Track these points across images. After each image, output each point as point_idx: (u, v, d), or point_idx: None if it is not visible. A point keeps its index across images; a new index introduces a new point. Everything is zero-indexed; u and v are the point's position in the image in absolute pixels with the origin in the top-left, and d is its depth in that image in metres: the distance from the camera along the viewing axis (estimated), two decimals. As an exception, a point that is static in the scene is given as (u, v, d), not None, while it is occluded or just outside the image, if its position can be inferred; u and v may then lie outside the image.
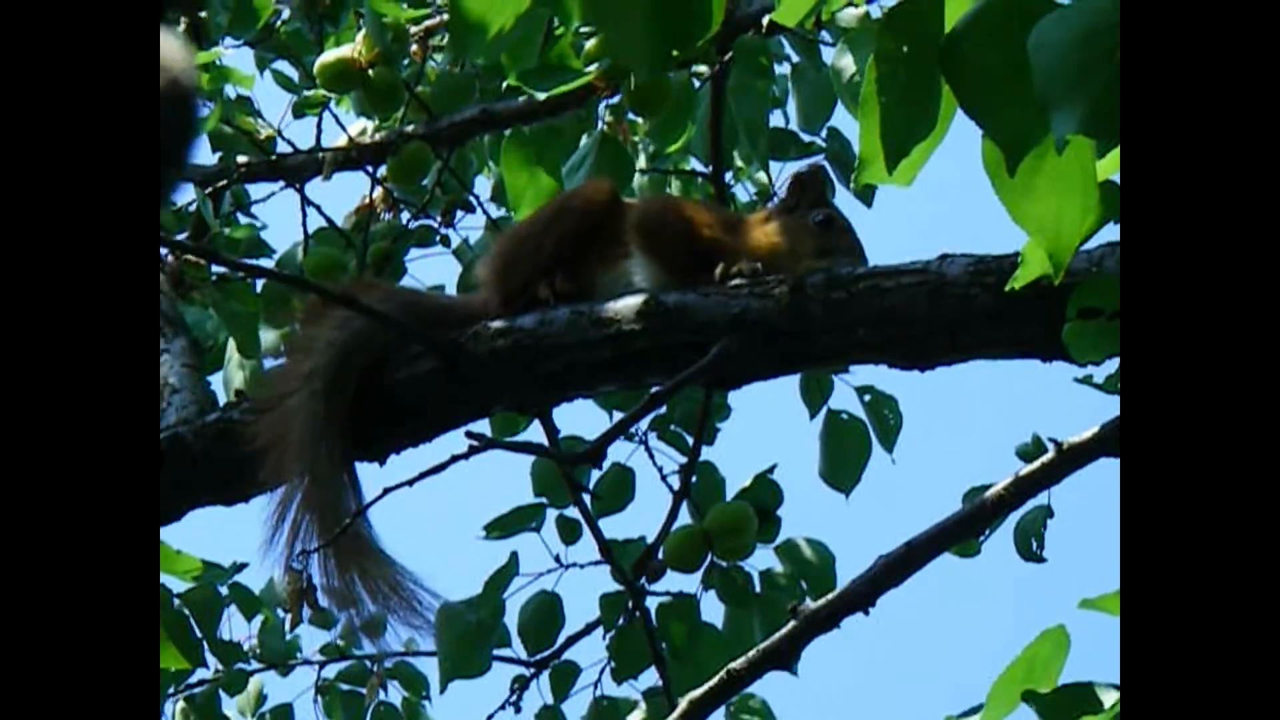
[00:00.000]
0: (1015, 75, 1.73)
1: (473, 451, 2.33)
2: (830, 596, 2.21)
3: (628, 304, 2.43)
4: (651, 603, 3.57)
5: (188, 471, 2.45)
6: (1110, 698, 1.87)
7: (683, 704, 2.18)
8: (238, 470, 2.43)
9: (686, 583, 3.56)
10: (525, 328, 2.46)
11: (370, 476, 2.52)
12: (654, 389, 2.41)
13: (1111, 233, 2.15)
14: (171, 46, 0.79)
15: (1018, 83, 1.72)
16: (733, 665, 2.19)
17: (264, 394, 2.49)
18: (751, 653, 2.20)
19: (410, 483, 2.35)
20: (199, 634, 3.21)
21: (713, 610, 3.58)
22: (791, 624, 2.19)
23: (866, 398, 3.62)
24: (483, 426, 2.58)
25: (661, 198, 2.86)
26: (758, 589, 3.59)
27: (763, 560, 3.57)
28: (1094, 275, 2.21)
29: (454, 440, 2.50)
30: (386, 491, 2.35)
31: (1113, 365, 2.17)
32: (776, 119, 3.86)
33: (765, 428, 4.03)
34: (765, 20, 3.43)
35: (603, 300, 2.46)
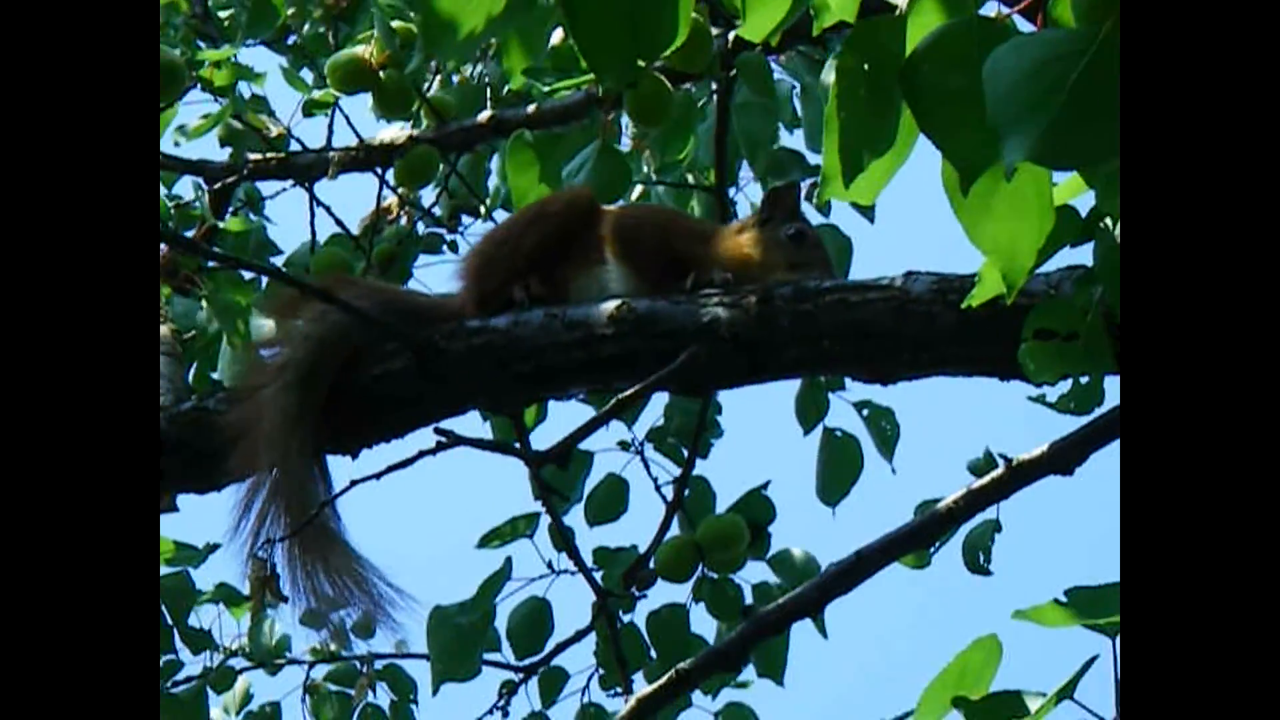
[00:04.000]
0: (972, 99, 1.75)
1: (440, 448, 2.36)
2: (780, 600, 2.23)
3: (600, 309, 2.46)
4: (643, 612, 3.62)
5: (162, 458, 2.49)
6: (1036, 704, 1.90)
7: (631, 701, 2.21)
8: (211, 458, 2.47)
9: (678, 593, 3.59)
10: (499, 328, 2.49)
11: (343, 470, 2.55)
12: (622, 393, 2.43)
13: (1070, 257, 2.18)
14: None
15: (974, 106, 1.75)
16: (681, 665, 2.22)
17: (238, 384, 2.52)
18: (701, 653, 2.23)
19: (377, 476, 2.38)
20: (170, 621, 3.24)
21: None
22: (741, 626, 2.21)
23: (865, 411, 3.65)
24: (462, 424, 2.61)
25: (638, 206, 2.89)
26: (749, 602, 3.61)
27: (756, 574, 3.60)
28: (1050, 298, 2.23)
29: (427, 437, 2.53)
30: (354, 484, 2.39)
31: (1065, 385, 2.19)
32: (796, 140, 3.90)
33: (760, 443, 4.06)
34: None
35: (576, 304, 2.50)
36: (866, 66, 1.94)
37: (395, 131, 3.72)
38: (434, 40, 2.01)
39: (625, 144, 3.79)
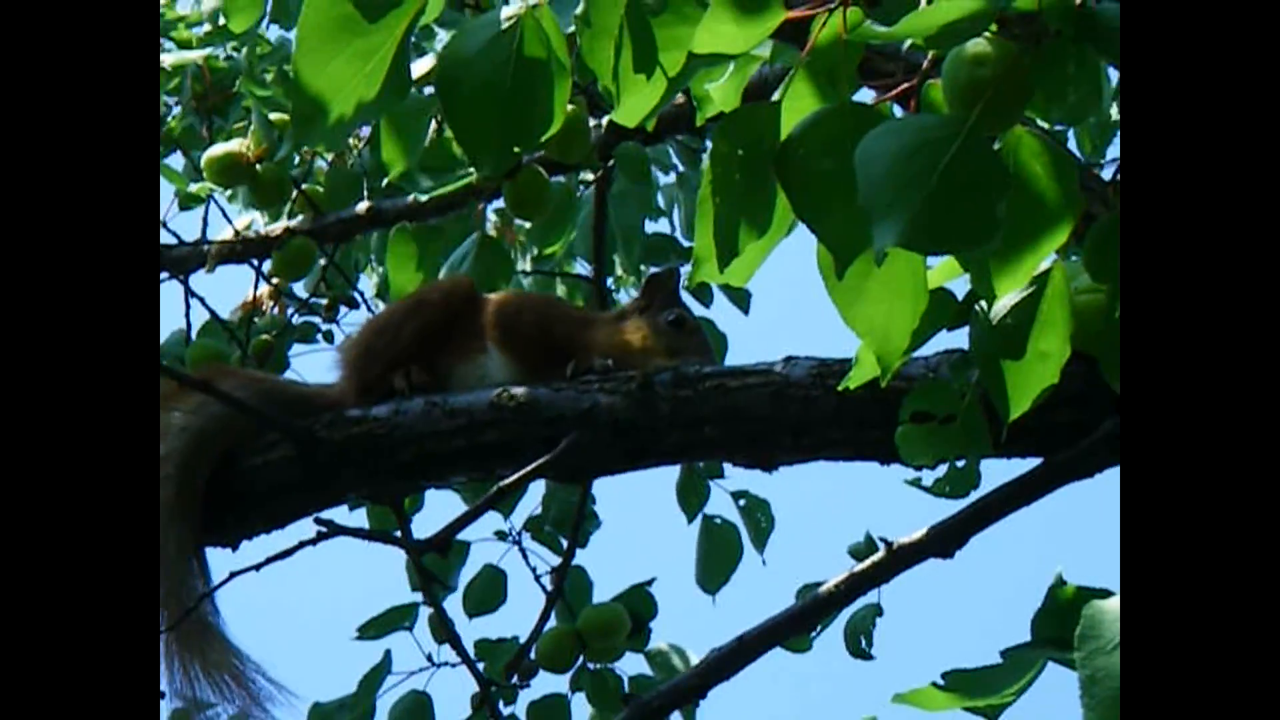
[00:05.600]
0: (846, 183, 1.77)
1: (321, 537, 2.35)
2: (662, 688, 2.23)
3: (480, 396, 2.47)
4: (524, 703, 3.60)
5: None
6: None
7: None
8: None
9: (559, 684, 3.58)
10: (379, 417, 2.48)
11: (223, 562, 2.52)
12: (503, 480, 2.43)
13: (947, 340, 2.20)
14: None
15: (848, 190, 1.76)
16: (564, 754, 2.21)
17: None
18: (583, 743, 2.22)
19: (257, 568, 2.36)
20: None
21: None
22: (623, 713, 2.21)
23: (742, 502, 3.66)
24: (342, 514, 2.59)
25: (518, 294, 2.90)
26: (628, 692, 3.60)
27: (634, 666, 3.60)
28: (928, 380, 2.25)
29: (308, 527, 2.52)
30: (232, 575, 2.36)
31: (942, 470, 2.21)
32: (666, 226, 3.93)
33: (638, 530, 4.06)
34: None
35: (457, 392, 2.50)
36: (741, 151, 1.95)
37: (273, 224, 3.72)
38: (304, 125, 2.00)
39: (490, 230, 3.80)
